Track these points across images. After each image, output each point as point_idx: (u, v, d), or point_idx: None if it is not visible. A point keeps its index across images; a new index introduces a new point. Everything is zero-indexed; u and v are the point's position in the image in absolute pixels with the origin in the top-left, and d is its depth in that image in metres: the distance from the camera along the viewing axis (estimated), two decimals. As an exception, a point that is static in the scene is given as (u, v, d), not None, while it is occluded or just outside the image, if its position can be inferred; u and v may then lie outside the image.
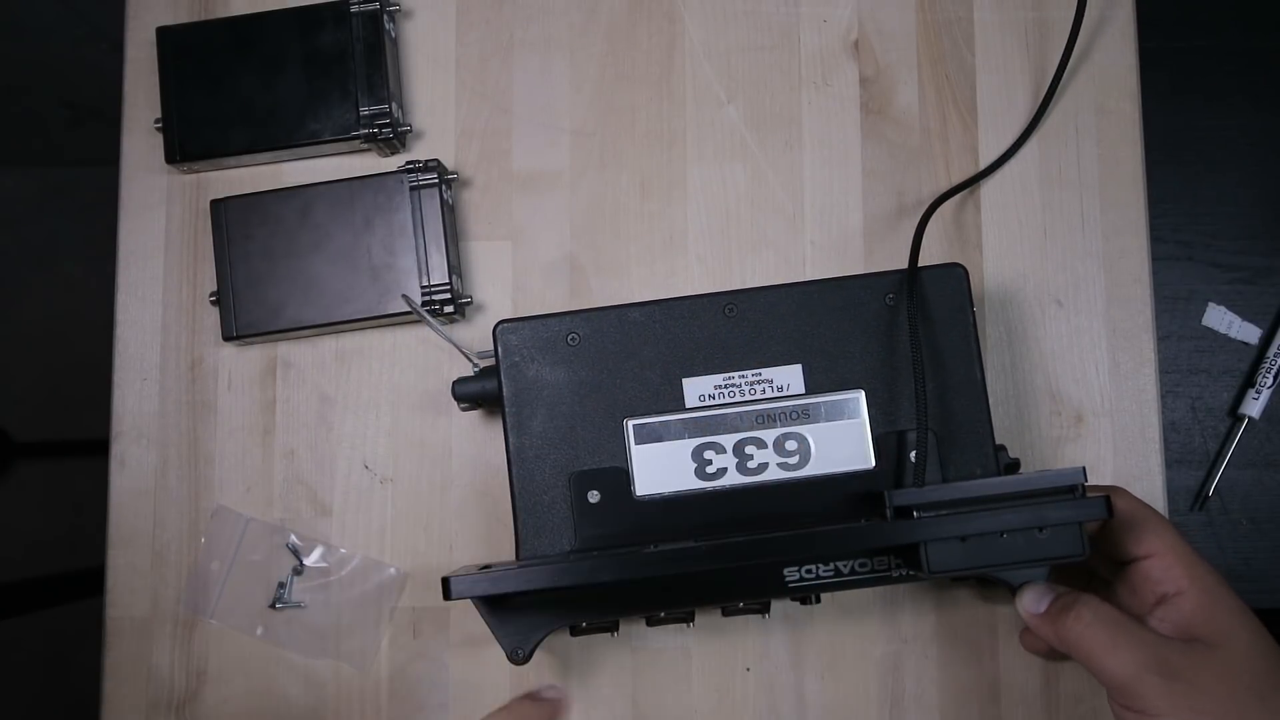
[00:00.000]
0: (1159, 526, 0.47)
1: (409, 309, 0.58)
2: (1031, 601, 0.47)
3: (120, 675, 0.60)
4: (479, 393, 0.55)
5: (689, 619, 0.55)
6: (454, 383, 0.55)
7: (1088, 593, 0.46)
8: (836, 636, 0.59)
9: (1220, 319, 0.88)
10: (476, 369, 0.56)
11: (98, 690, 0.59)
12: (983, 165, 0.62)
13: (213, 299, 0.60)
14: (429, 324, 0.57)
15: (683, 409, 0.53)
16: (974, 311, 0.54)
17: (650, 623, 0.55)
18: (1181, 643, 0.44)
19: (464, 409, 0.57)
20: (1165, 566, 0.46)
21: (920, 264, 0.54)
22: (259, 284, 0.59)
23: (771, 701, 0.58)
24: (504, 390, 0.54)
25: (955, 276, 0.54)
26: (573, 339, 0.53)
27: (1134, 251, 0.61)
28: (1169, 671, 0.42)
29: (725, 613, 0.55)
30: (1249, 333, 0.87)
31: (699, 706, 0.58)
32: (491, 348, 0.54)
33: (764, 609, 0.55)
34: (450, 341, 0.58)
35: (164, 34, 0.61)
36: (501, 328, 0.54)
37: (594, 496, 0.53)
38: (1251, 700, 0.41)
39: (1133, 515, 0.48)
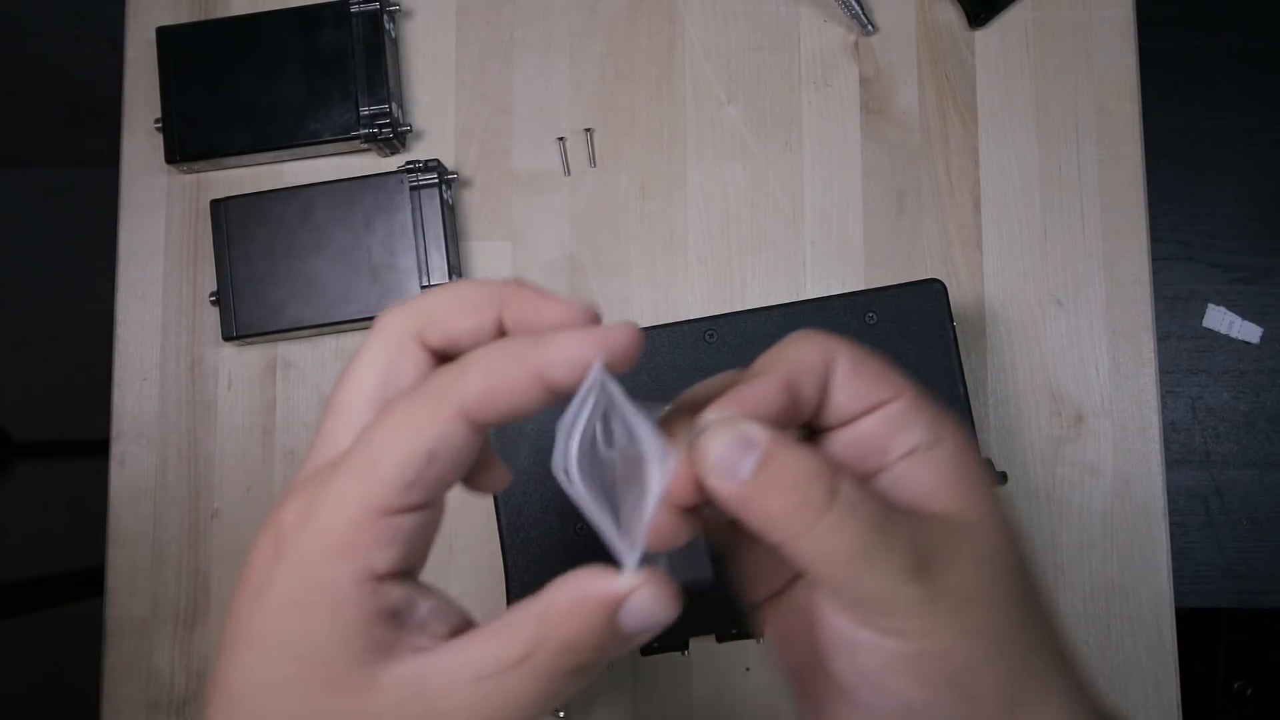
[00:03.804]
0: (876, 369, 0.28)
1: (409, 309, 0.58)
2: (725, 457, 0.25)
3: (120, 675, 0.60)
4: None
5: (683, 648, 0.55)
6: None
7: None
8: (836, 636, 0.59)
9: (1220, 319, 0.88)
10: None
11: (98, 690, 0.59)
12: (983, 164, 0.62)
13: (213, 299, 0.60)
14: None
15: None
16: (954, 327, 0.53)
17: (644, 652, 0.55)
18: (928, 521, 0.27)
19: None
20: (902, 415, 0.28)
21: (909, 278, 0.54)
22: (259, 284, 0.59)
23: (771, 701, 0.58)
24: None
25: (934, 293, 0.53)
26: None
27: (1134, 251, 0.61)
28: (926, 569, 0.25)
29: (719, 639, 0.55)
30: (1249, 332, 0.87)
31: (699, 706, 0.58)
32: None
33: (759, 634, 0.55)
34: None
35: (164, 34, 0.61)
36: None
37: (582, 529, 0.52)
38: (1018, 603, 0.27)
39: (835, 362, 0.28)
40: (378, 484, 0.24)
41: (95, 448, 0.69)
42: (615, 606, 0.24)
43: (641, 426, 0.24)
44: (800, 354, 0.28)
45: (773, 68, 0.63)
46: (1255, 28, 0.95)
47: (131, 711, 0.59)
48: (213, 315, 0.61)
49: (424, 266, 0.58)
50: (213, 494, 0.61)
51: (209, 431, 0.61)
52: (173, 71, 0.61)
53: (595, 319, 0.26)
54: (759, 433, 0.25)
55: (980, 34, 0.63)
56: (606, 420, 0.25)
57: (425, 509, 0.25)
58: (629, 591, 0.24)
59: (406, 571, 0.25)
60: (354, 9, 0.60)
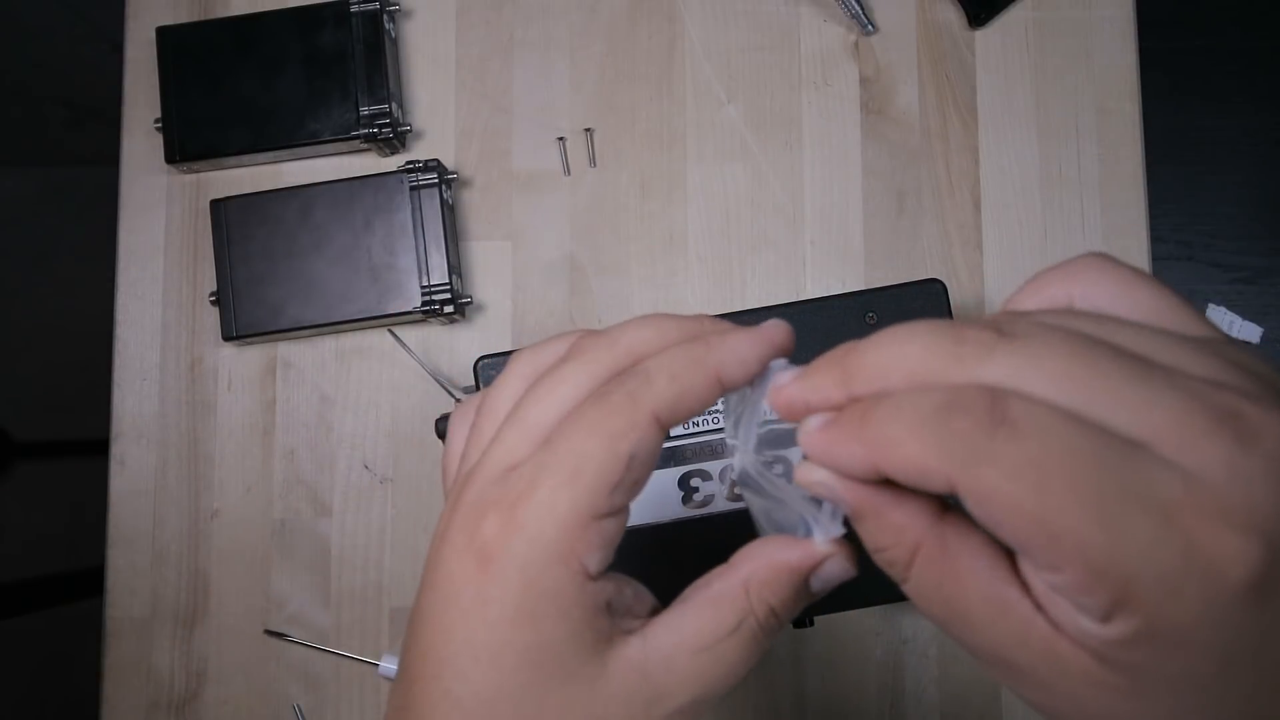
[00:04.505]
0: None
1: (409, 309, 0.58)
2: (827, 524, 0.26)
3: (120, 675, 0.60)
4: None
5: None
6: (437, 420, 0.55)
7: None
8: (836, 636, 0.59)
9: (1220, 319, 0.88)
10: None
11: (98, 690, 0.59)
12: (983, 164, 0.62)
13: (213, 299, 0.60)
14: (415, 359, 0.57)
15: (667, 437, 0.53)
16: None
17: None
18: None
19: None
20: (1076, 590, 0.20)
21: (909, 278, 0.54)
22: (259, 284, 0.59)
23: (771, 701, 0.58)
24: None
25: (934, 292, 0.53)
26: None
27: (1134, 251, 0.61)
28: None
29: None
30: (1250, 332, 0.87)
31: (699, 706, 0.58)
32: (473, 383, 0.54)
33: None
34: (433, 377, 0.58)
35: (164, 34, 0.61)
36: (483, 364, 0.53)
37: None
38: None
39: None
40: (585, 490, 0.25)
41: (95, 448, 0.69)
42: (810, 572, 0.26)
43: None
44: (898, 446, 0.21)
45: (773, 68, 0.63)
46: (1255, 28, 0.95)
47: (131, 711, 0.59)
48: (213, 315, 0.61)
49: (424, 266, 0.58)
50: (213, 494, 0.61)
51: (209, 431, 0.61)
52: (173, 71, 0.61)
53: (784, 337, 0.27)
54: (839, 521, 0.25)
55: (980, 34, 0.63)
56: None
57: (623, 511, 0.26)
58: (825, 557, 0.26)
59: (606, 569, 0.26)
60: (354, 9, 0.60)
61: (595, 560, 0.26)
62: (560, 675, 0.25)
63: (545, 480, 0.25)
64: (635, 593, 0.28)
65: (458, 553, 0.26)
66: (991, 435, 0.19)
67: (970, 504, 0.20)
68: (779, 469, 0.27)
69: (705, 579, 0.27)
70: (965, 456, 0.19)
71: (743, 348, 0.26)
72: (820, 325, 0.53)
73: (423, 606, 0.27)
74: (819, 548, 0.26)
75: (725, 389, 0.27)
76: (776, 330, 0.27)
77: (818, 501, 0.25)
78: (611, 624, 0.26)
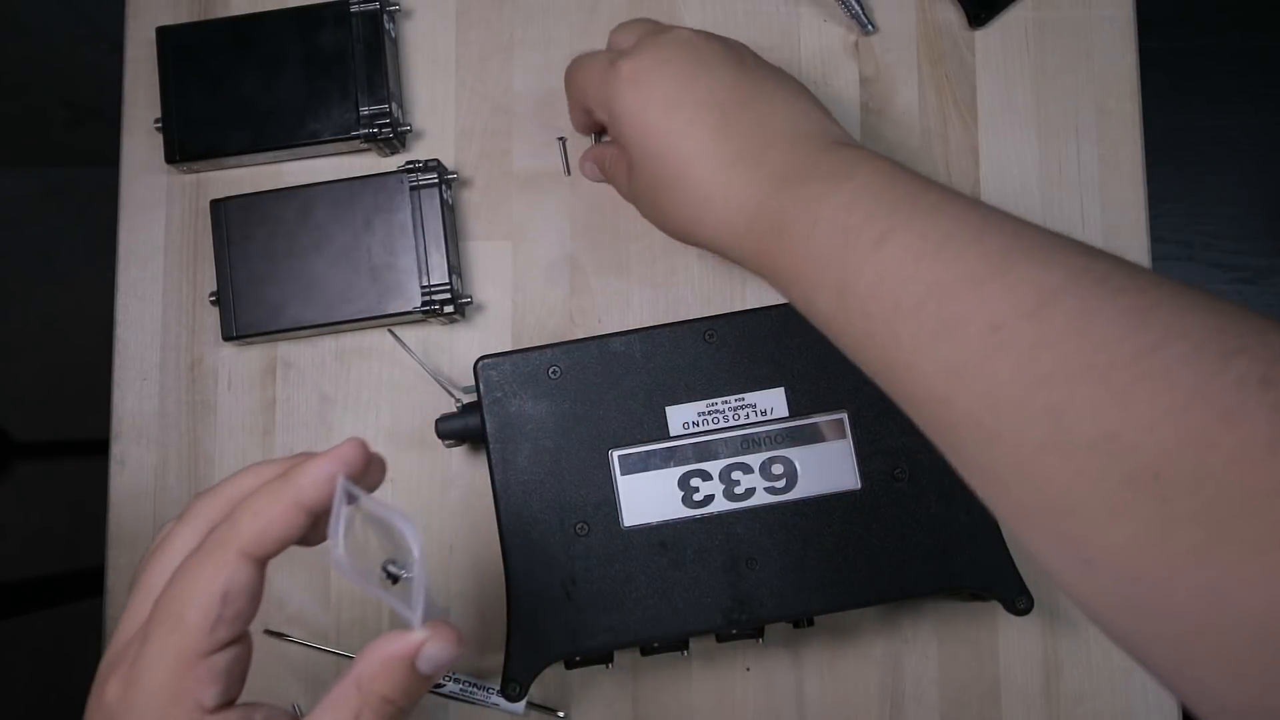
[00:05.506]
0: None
1: (409, 309, 0.58)
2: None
3: (120, 675, 0.59)
4: (463, 429, 0.54)
5: (683, 649, 0.55)
6: (437, 421, 0.55)
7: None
8: (837, 636, 0.59)
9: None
10: (459, 405, 0.56)
11: (98, 690, 0.59)
12: (983, 164, 0.62)
13: (213, 299, 0.60)
14: (415, 359, 0.57)
15: (667, 437, 0.53)
16: None
17: (644, 652, 0.55)
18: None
19: (449, 446, 0.57)
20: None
21: None
22: (259, 284, 0.59)
23: (771, 701, 0.58)
24: (487, 427, 0.53)
25: None
26: (554, 372, 0.53)
27: (1134, 251, 0.61)
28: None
29: (719, 639, 0.55)
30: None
31: (699, 706, 0.58)
32: (473, 383, 0.54)
33: (758, 634, 0.55)
34: (434, 378, 0.58)
35: (164, 34, 0.61)
36: (483, 364, 0.53)
37: (582, 529, 0.52)
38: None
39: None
40: (186, 634, 0.28)
41: (95, 448, 0.69)
42: (412, 657, 0.29)
43: (390, 516, 0.30)
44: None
45: (773, 68, 0.63)
46: (1255, 28, 0.95)
47: (131, 711, 0.59)
48: (213, 315, 0.61)
49: (424, 266, 0.58)
50: (213, 494, 0.61)
51: (209, 431, 0.61)
52: (173, 71, 0.61)
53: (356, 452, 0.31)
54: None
55: (980, 34, 0.63)
56: (362, 515, 0.31)
57: (235, 644, 0.30)
58: (421, 642, 0.30)
59: (234, 699, 0.30)
60: (354, 9, 0.60)
61: (211, 694, 0.29)
62: None
63: (154, 634, 0.29)
64: (266, 715, 0.31)
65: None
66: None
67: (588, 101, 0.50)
68: (379, 577, 0.31)
69: (335, 681, 0.30)
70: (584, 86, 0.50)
71: (314, 472, 0.30)
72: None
73: None
74: (414, 635, 0.30)
75: (310, 509, 0.30)
76: (348, 449, 0.31)
77: (406, 600, 0.30)
78: None
